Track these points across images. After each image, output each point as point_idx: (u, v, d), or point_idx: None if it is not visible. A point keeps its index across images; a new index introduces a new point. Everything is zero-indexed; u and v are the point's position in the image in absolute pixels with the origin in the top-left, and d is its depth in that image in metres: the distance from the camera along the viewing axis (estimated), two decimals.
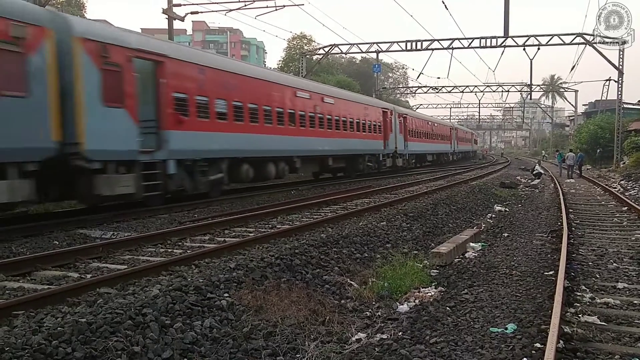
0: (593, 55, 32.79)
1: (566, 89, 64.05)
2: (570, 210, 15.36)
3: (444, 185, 21.48)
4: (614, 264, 8.66)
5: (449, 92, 53.68)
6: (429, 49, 33.97)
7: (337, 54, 40.82)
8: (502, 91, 54.94)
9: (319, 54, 39.76)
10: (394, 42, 34.81)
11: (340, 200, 15.68)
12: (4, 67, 9.58)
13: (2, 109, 9.55)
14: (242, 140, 16.75)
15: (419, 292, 7.10)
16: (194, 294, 5.78)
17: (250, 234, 10.05)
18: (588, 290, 7.15)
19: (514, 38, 32.02)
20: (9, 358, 4.14)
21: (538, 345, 4.96)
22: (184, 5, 25.35)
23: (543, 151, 77.30)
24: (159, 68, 13.32)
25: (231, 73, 16.59)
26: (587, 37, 31.72)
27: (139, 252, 8.49)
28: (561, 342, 5.00)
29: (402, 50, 34.74)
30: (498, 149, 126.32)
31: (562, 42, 32.11)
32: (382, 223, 11.29)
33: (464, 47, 33.47)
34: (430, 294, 6.95)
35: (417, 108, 67.47)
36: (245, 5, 25.82)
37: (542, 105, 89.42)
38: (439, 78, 65.92)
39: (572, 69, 66.59)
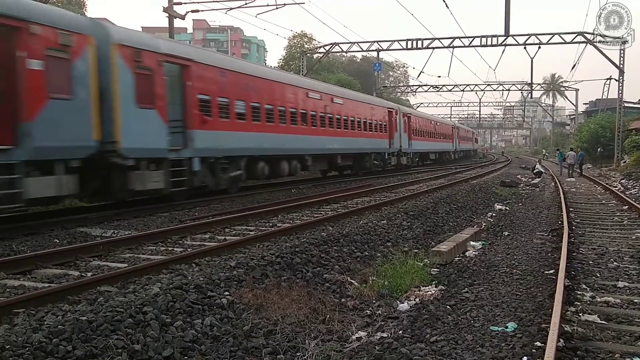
0: (594, 54, 32.89)
1: (567, 88, 64.00)
2: (571, 209, 15.36)
3: (444, 184, 21.49)
4: (615, 263, 8.66)
5: (450, 90, 53.60)
6: (430, 48, 33.95)
7: (338, 52, 40.77)
8: (503, 90, 54.92)
9: (319, 53, 39.72)
10: (394, 41, 34.78)
11: (341, 199, 15.67)
12: (53, 72, 10.40)
13: (51, 111, 10.37)
14: (259, 139, 17.66)
15: (419, 290, 7.10)
16: (194, 293, 5.78)
17: (251, 233, 10.04)
18: (588, 289, 7.15)
19: (514, 37, 31.98)
20: (10, 356, 4.14)
21: (538, 344, 4.95)
22: (185, 3, 25.26)
23: (544, 150, 77.27)
24: (186, 71, 14.25)
25: (249, 75, 17.53)
26: (588, 36, 31.68)
27: (140, 251, 8.50)
28: (561, 340, 5.00)
29: (403, 49, 34.70)
30: (499, 148, 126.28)
31: (563, 41, 32.05)
32: (382, 222, 11.29)
33: (465, 46, 33.47)
34: (430, 293, 6.95)
35: (418, 107, 67.42)
36: (246, 4, 25.80)
37: (543, 104, 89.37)
38: (439, 77, 66.15)
39: (572, 67, 65.97)
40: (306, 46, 52.88)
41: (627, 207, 15.78)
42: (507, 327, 5.52)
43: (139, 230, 10.39)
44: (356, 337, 5.46)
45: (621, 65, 33.38)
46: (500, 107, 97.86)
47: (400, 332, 5.52)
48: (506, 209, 15.98)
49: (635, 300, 6.60)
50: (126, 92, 12.09)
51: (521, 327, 5.52)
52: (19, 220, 11.04)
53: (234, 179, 16.66)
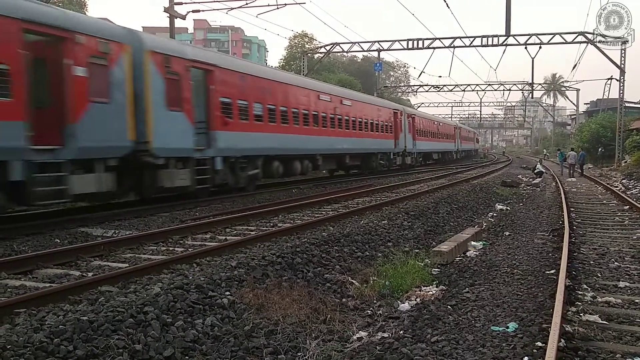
0: (595, 54, 32.86)
1: (568, 88, 64.00)
2: (572, 209, 15.35)
3: (445, 184, 21.48)
4: (616, 263, 8.65)
5: (451, 90, 53.60)
6: (431, 48, 33.93)
7: (339, 52, 40.78)
8: (504, 90, 54.99)
9: (320, 53, 39.73)
10: (395, 41, 34.77)
11: (342, 199, 15.67)
12: (94, 78, 11.27)
13: (92, 114, 11.21)
14: (275, 139, 18.61)
15: (420, 290, 7.10)
16: (195, 293, 5.79)
17: (252, 233, 10.05)
18: (589, 289, 7.14)
19: (515, 37, 31.96)
20: (11, 356, 4.15)
21: (539, 344, 4.95)
22: (186, 3, 25.29)
23: (544, 150, 77.23)
24: (209, 76, 15.15)
25: (265, 79, 18.54)
26: (589, 36, 31.65)
27: (141, 251, 8.50)
28: (562, 341, 5.00)
29: (404, 49, 34.69)
30: (500, 148, 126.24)
31: (564, 41, 32.02)
32: (383, 222, 11.29)
33: (466, 46, 33.44)
34: (431, 293, 6.95)
35: (419, 107, 67.40)
36: (247, 4, 25.81)
37: (544, 104, 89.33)
38: (440, 77, 66.25)
39: (573, 67, 66.21)
40: (307, 46, 52.91)
41: (628, 207, 15.77)
42: (508, 327, 5.52)
43: (139, 230, 10.40)
44: (357, 337, 5.46)
45: (622, 65, 33.36)
46: (501, 107, 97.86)
47: (401, 332, 5.52)
48: (507, 209, 15.97)
49: (637, 301, 6.60)
50: (157, 95, 12.99)
51: (522, 327, 5.52)
52: (20, 220, 11.05)
53: (252, 178, 17.58)
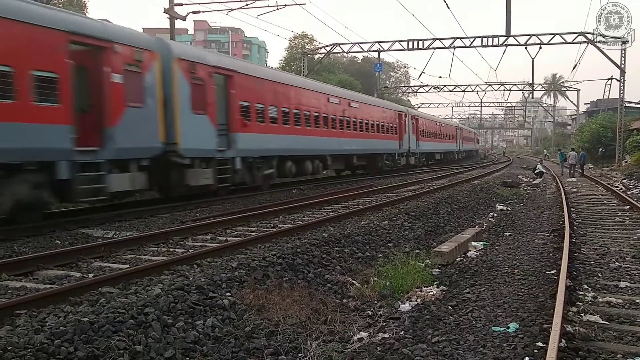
0: (595, 54, 32.85)
1: (568, 88, 63.95)
2: (572, 209, 15.34)
3: (445, 184, 21.47)
4: (616, 263, 8.65)
5: (451, 91, 53.57)
6: (431, 48, 33.92)
7: (339, 53, 40.83)
8: (504, 90, 54.92)
9: (320, 54, 39.75)
10: (395, 42, 34.77)
11: (342, 200, 15.68)
12: (130, 84, 12.17)
13: (128, 118, 12.09)
14: (288, 141, 19.59)
15: (420, 291, 7.10)
16: (196, 294, 5.79)
17: (252, 234, 10.05)
18: (590, 289, 7.14)
19: (515, 37, 31.95)
20: (12, 357, 4.15)
21: (540, 344, 4.95)
22: (186, 4, 25.33)
23: (545, 150, 77.19)
24: (230, 81, 16.07)
25: (279, 83, 19.58)
26: (589, 36, 31.64)
27: (141, 252, 8.50)
28: (563, 341, 4.99)
29: (404, 50, 34.69)
30: (500, 148, 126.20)
31: (564, 41, 32.01)
32: (383, 222, 11.29)
33: (466, 46, 33.44)
34: (432, 293, 6.94)
35: (419, 107, 67.41)
36: (247, 5, 25.84)
37: (544, 104, 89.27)
38: (440, 77, 66.02)
39: (574, 67, 66.21)
40: (307, 47, 52.94)
41: (628, 207, 15.76)
42: (508, 328, 5.52)
43: (140, 231, 10.40)
44: (358, 338, 5.46)
45: (622, 65, 33.35)
46: (502, 108, 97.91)
47: (402, 332, 5.51)
48: (507, 209, 15.97)
49: (637, 301, 6.59)
50: (184, 100, 13.91)
51: (523, 327, 5.51)
52: (20, 221, 11.04)
53: (267, 177, 18.55)
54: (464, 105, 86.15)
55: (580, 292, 6.93)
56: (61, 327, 4.62)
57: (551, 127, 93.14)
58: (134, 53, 12.43)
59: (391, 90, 65.52)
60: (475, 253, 9.63)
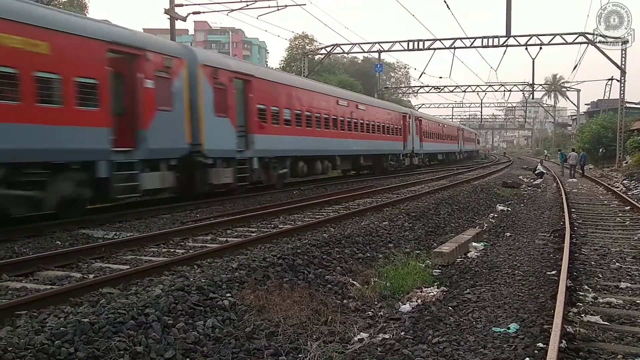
0: (595, 54, 32.80)
1: (568, 89, 63.98)
2: (573, 210, 15.34)
3: (446, 184, 21.47)
4: (617, 264, 8.65)
5: (451, 91, 53.57)
6: (431, 49, 33.89)
7: (339, 53, 40.80)
8: (504, 91, 54.99)
9: (320, 54, 39.75)
10: (395, 42, 34.74)
11: (342, 200, 15.68)
12: (160, 89, 13.08)
13: (159, 120, 13.01)
14: (301, 142, 20.59)
15: (421, 291, 7.09)
16: (196, 294, 5.79)
17: (253, 234, 10.05)
18: (591, 289, 7.14)
19: (516, 37, 31.92)
20: (12, 358, 4.15)
21: (540, 345, 4.94)
22: (186, 5, 25.35)
23: (545, 151, 77.17)
24: (248, 85, 17.05)
25: (293, 87, 20.57)
26: (590, 37, 31.62)
27: (142, 252, 8.51)
28: (564, 341, 4.99)
29: (404, 50, 34.64)
30: (500, 149, 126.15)
31: (565, 42, 31.97)
32: (384, 223, 11.29)
33: (466, 47, 33.39)
34: (432, 294, 6.94)
35: (419, 108, 67.41)
36: (247, 5, 25.85)
37: (545, 105, 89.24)
38: (441, 77, 65.94)
39: (574, 68, 66.22)
40: (307, 47, 52.96)
41: (629, 207, 15.75)
42: (509, 328, 5.51)
43: (140, 231, 10.40)
44: (358, 339, 5.46)
45: (623, 66, 33.32)
46: (502, 108, 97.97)
47: (402, 333, 5.51)
48: (508, 210, 15.96)
49: (638, 301, 6.59)
50: (208, 103, 14.86)
51: (523, 328, 5.51)
52: (21, 222, 11.05)
53: (281, 176, 19.57)
54: (464, 105, 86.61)
55: (581, 293, 6.93)
56: (61, 328, 4.62)
57: (551, 128, 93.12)
58: (164, 60, 13.39)
59: (391, 91, 65.52)
60: (476, 254, 9.62)
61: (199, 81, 14.54)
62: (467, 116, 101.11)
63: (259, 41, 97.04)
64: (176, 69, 13.81)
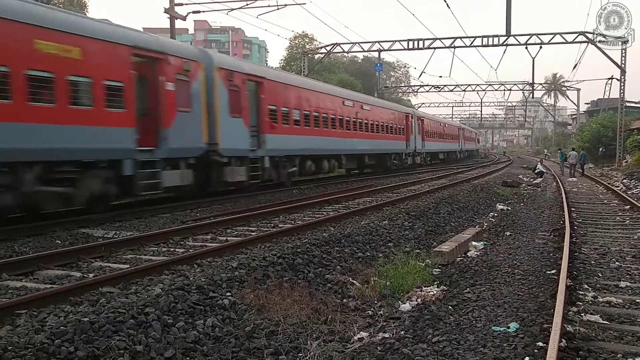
0: (595, 53, 32.75)
1: (568, 88, 64.00)
2: (573, 209, 15.34)
3: (446, 184, 21.47)
4: (617, 263, 8.65)
5: (451, 90, 53.59)
6: (431, 48, 33.93)
7: (339, 53, 40.80)
8: (504, 90, 54.89)
9: (320, 53, 39.74)
10: (395, 41, 34.77)
11: (342, 200, 15.68)
12: (180, 91, 13.74)
13: (179, 121, 13.67)
14: (309, 141, 21.27)
15: (421, 291, 7.10)
16: (196, 293, 5.79)
17: (252, 233, 10.05)
18: (590, 289, 7.14)
19: (516, 37, 31.93)
20: (12, 357, 4.15)
21: (540, 344, 4.95)
22: (186, 4, 25.33)
23: (545, 150, 77.15)
24: (260, 87, 17.75)
25: (301, 88, 21.30)
26: (589, 36, 31.62)
27: (141, 252, 8.50)
28: (563, 341, 4.99)
29: (404, 49, 34.69)
30: (500, 148, 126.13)
31: (564, 41, 31.98)
32: (384, 222, 11.29)
33: (466, 46, 33.44)
34: (432, 293, 6.94)
35: (419, 107, 67.40)
36: (247, 5, 25.84)
37: (545, 104, 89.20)
38: (441, 77, 66.10)
39: (574, 67, 66.13)
40: (307, 47, 52.97)
41: (629, 206, 15.76)
42: (509, 328, 5.52)
43: (140, 231, 10.40)
44: (358, 338, 5.46)
45: (623, 65, 33.31)
46: (502, 107, 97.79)
47: (402, 332, 5.51)
48: (508, 209, 15.96)
49: (638, 300, 6.59)
50: (223, 105, 15.51)
51: (523, 327, 5.51)
52: (21, 221, 11.06)
53: (290, 175, 20.26)
54: (464, 105, 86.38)
55: (581, 292, 6.93)
56: (61, 327, 4.62)
57: (551, 127, 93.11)
58: (183, 64, 14.03)
59: (391, 90, 65.51)
60: (476, 253, 9.62)
61: (215, 83, 15.17)
62: (467, 115, 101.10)
63: (259, 40, 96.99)
64: (194, 72, 14.44)
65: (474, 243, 10.21)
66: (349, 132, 25.59)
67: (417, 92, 65.07)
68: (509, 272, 8.04)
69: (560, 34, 31.94)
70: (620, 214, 14.73)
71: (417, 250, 9.54)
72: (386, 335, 5.50)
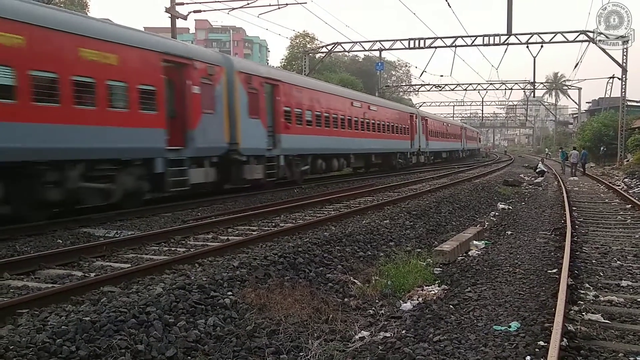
0: (597, 52, 32.75)
1: (569, 87, 63.83)
2: (574, 208, 15.33)
3: (447, 183, 21.45)
4: (618, 262, 8.64)
5: (452, 90, 53.47)
6: (432, 47, 33.89)
7: (340, 52, 40.74)
8: (506, 89, 54.78)
9: (321, 52, 39.72)
10: (397, 40, 34.74)
11: (344, 199, 15.67)
12: (204, 94, 14.72)
13: (204, 122, 14.66)
14: (320, 141, 22.24)
15: (422, 290, 7.10)
16: (197, 293, 5.79)
17: (254, 233, 10.05)
18: (592, 288, 7.13)
19: (517, 36, 31.88)
20: (14, 356, 4.16)
21: (542, 343, 4.94)
22: (187, 3, 25.32)
23: (546, 149, 77.09)
24: (276, 89, 18.87)
25: (313, 90, 22.43)
26: (590, 35, 31.57)
27: (143, 251, 8.51)
28: (565, 340, 4.99)
29: (405, 48, 34.69)
30: (501, 147, 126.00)
31: (566, 40, 31.93)
32: (385, 221, 11.29)
33: (467, 45, 33.40)
34: (433, 292, 6.94)
35: (420, 106, 67.34)
36: (248, 4, 25.81)
37: (546, 103, 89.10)
38: (442, 76, 65.87)
39: (575, 66, 66.19)
40: (308, 46, 52.95)
41: (630, 205, 15.74)
42: (510, 327, 5.52)
43: (142, 230, 10.41)
44: (359, 337, 5.46)
45: (624, 64, 33.27)
46: (503, 106, 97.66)
47: (403, 331, 5.51)
48: (509, 208, 15.95)
49: (639, 299, 6.59)
50: (243, 106, 16.53)
51: (524, 326, 5.51)
52: (22, 221, 11.06)
53: (302, 173, 21.29)
54: (465, 104, 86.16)
55: (582, 291, 6.93)
56: (63, 327, 4.63)
57: (553, 126, 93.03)
58: (207, 68, 15.02)
59: (392, 89, 65.47)
60: (477, 252, 9.62)
61: (235, 86, 16.18)
62: (468, 114, 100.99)
63: (260, 39, 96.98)
64: (217, 76, 15.43)
65: (475, 242, 10.21)
66: (357, 132, 26.43)
67: (418, 91, 65.09)
68: (510, 271, 8.04)
69: (561, 33, 31.90)
70: (621, 213, 14.71)
71: (418, 250, 9.53)
72: (387, 334, 5.50)
